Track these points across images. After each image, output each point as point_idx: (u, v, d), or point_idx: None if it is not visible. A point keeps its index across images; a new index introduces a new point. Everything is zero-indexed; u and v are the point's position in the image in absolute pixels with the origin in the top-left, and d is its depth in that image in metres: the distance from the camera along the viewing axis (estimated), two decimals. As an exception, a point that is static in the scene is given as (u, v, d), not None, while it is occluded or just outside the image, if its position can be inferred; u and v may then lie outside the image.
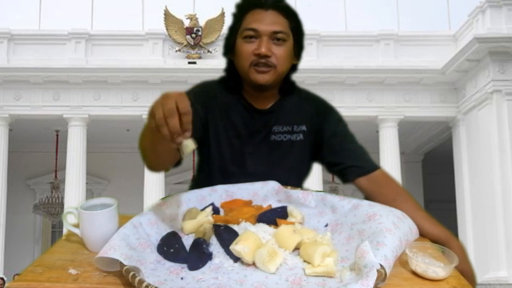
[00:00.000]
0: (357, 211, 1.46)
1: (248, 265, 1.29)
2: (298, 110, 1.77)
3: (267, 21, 1.67)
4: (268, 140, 1.74)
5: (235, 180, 1.63)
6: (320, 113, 1.77)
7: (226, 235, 1.36)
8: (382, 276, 1.19)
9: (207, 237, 1.38)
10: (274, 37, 1.67)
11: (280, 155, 1.74)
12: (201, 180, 1.71)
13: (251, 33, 1.67)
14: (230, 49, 1.74)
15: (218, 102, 1.75)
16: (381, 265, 1.20)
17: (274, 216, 1.48)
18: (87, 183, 14.61)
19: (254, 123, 1.75)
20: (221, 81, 1.81)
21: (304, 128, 1.75)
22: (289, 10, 1.71)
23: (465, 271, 1.44)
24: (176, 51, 14.37)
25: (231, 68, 1.76)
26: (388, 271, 1.22)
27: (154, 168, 1.57)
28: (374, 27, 15.08)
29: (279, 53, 1.67)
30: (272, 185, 1.61)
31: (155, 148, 1.46)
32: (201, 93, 1.74)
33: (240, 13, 1.72)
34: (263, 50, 1.65)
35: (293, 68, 1.77)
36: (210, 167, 1.73)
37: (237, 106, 1.75)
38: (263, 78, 1.67)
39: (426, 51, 14.30)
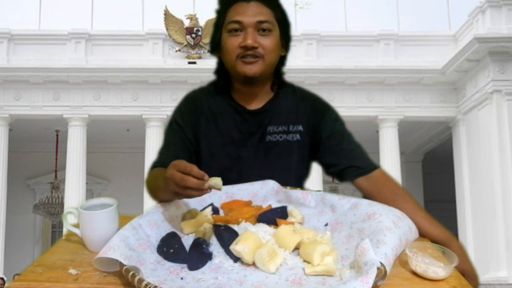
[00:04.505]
0: (357, 210, 1.46)
1: (248, 265, 1.29)
2: (294, 109, 1.74)
3: (250, 13, 1.65)
4: (263, 141, 1.71)
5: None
6: (316, 113, 1.74)
7: (226, 235, 1.36)
8: (382, 274, 1.19)
9: (207, 237, 1.38)
10: (260, 27, 1.64)
11: (277, 156, 1.71)
12: None
13: (235, 26, 1.65)
14: (216, 46, 1.72)
15: (205, 112, 1.73)
16: (381, 263, 1.20)
17: (274, 216, 1.48)
18: (87, 183, 14.62)
19: (247, 125, 1.72)
20: (209, 85, 1.79)
21: (300, 128, 1.72)
22: (272, 0, 1.69)
23: (467, 271, 1.44)
24: (176, 51, 14.38)
25: (220, 68, 1.75)
26: (388, 269, 1.22)
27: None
28: (374, 27, 15.16)
29: (266, 43, 1.64)
30: (271, 185, 1.61)
31: (164, 197, 1.51)
32: (188, 110, 1.74)
33: (223, 8, 1.70)
34: (249, 41, 1.62)
35: (282, 60, 1.74)
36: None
37: (227, 110, 1.73)
38: (251, 69, 1.65)
39: (426, 51, 14.31)
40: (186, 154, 1.66)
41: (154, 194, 1.56)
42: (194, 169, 1.33)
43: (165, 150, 1.71)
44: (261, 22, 1.64)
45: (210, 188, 1.36)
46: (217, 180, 1.37)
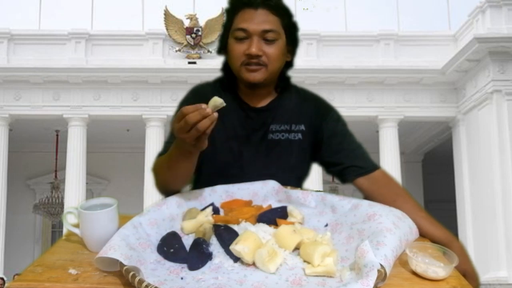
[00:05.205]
0: (357, 211, 1.46)
1: (248, 265, 1.29)
2: (297, 109, 1.76)
3: (256, 20, 1.66)
4: (266, 139, 1.73)
5: (235, 182, 1.62)
6: (319, 113, 1.75)
7: (226, 235, 1.36)
8: (382, 276, 1.19)
9: (207, 237, 1.38)
10: (265, 36, 1.66)
11: (278, 154, 1.72)
12: (201, 184, 1.70)
13: (241, 33, 1.67)
14: (223, 47, 1.74)
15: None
16: (381, 265, 1.20)
17: (274, 216, 1.48)
18: (87, 183, 14.62)
19: (251, 122, 1.73)
20: (215, 82, 1.81)
21: (302, 127, 1.74)
22: (280, 8, 1.69)
23: (468, 271, 1.44)
24: (176, 51, 14.38)
25: (227, 67, 1.76)
26: (388, 270, 1.22)
27: (169, 186, 1.59)
28: (374, 27, 15.10)
29: (270, 52, 1.66)
30: (272, 185, 1.61)
31: (178, 165, 1.52)
32: (195, 102, 1.74)
33: (231, 13, 1.72)
34: (253, 50, 1.64)
35: (289, 64, 1.76)
36: (208, 171, 1.72)
37: (232, 106, 1.73)
38: (254, 77, 1.67)
39: (426, 51, 14.31)
40: None
41: (167, 176, 1.57)
42: (188, 107, 1.36)
43: (170, 140, 1.72)
44: (266, 31, 1.66)
45: (214, 111, 1.35)
46: (214, 99, 1.37)
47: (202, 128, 1.35)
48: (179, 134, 1.39)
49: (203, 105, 1.35)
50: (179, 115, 1.37)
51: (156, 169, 1.63)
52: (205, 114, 1.34)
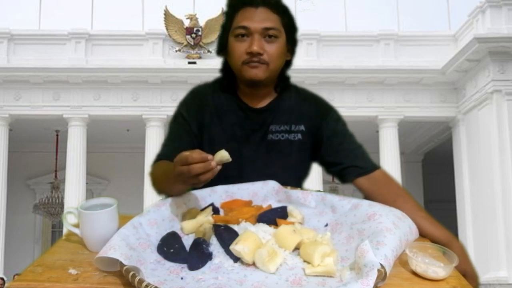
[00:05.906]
0: (357, 211, 1.46)
1: (248, 265, 1.29)
2: (297, 109, 1.76)
3: (257, 18, 1.67)
4: (265, 139, 1.73)
5: (235, 183, 1.62)
6: (319, 113, 1.76)
7: (226, 235, 1.36)
8: (382, 276, 1.19)
9: (207, 237, 1.38)
10: (266, 34, 1.66)
11: (278, 155, 1.72)
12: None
13: (242, 31, 1.67)
14: (223, 48, 1.74)
15: (210, 107, 1.75)
16: (381, 265, 1.20)
17: (274, 216, 1.48)
18: (87, 183, 14.62)
19: (250, 123, 1.74)
20: (215, 82, 1.81)
21: (302, 127, 1.74)
22: (280, 6, 1.70)
23: (467, 272, 1.44)
24: (176, 51, 14.38)
25: (226, 67, 1.76)
26: (388, 270, 1.22)
27: (166, 194, 1.59)
28: (374, 27, 15.10)
29: (271, 50, 1.66)
30: (272, 185, 1.61)
31: (175, 186, 1.51)
32: (193, 104, 1.76)
33: (231, 12, 1.72)
34: (255, 48, 1.64)
35: (288, 64, 1.76)
36: None
37: (231, 106, 1.74)
38: (256, 74, 1.67)
39: (426, 51, 14.31)
40: (190, 147, 1.67)
41: (163, 188, 1.57)
42: (195, 155, 1.34)
43: (169, 142, 1.72)
44: (267, 28, 1.66)
45: (219, 164, 1.35)
46: (221, 153, 1.36)
47: (203, 180, 1.36)
48: (178, 177, 1.37)
49: (209, 157, 1.33)
50: (183, 159, 1.35)
51: (153, 178, 1.63)
52: (210, 168, 1.33)
